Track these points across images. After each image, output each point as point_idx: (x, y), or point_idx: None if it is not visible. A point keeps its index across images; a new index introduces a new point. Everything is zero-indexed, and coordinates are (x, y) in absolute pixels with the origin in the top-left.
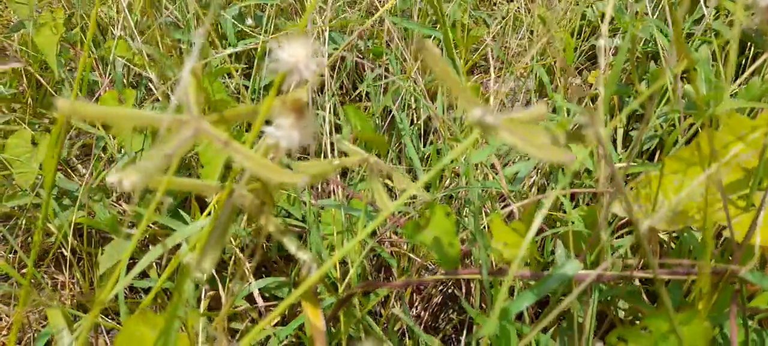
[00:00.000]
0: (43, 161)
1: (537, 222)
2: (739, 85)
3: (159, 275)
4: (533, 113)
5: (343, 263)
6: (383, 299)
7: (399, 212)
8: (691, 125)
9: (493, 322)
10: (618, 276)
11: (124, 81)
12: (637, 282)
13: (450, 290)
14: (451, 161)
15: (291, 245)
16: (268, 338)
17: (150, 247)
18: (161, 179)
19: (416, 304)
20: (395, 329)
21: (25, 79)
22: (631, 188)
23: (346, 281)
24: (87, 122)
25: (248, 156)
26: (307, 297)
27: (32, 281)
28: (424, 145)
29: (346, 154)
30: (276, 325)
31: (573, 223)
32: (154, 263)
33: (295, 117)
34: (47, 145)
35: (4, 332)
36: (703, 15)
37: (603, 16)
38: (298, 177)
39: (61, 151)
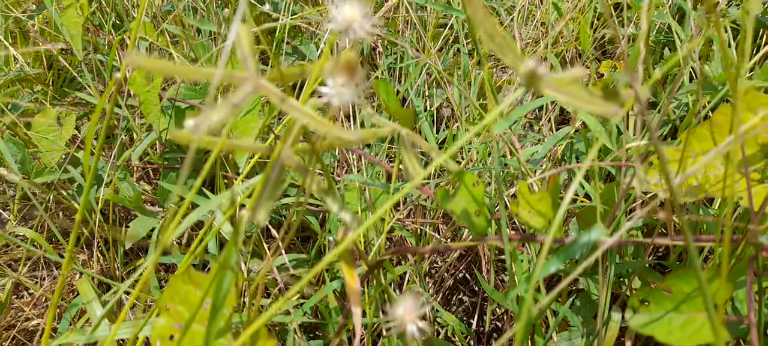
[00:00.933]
0: (78, 140)
1: (573, 187)
2: (751, 69)
3: (182, 253)
4: (573, 74)
5: (366, 241)
6: (399, 279)
7: (426, 183)
8: (704, 107)
9: (523, 285)
10: (638, 242)
11: None
12: (646, 265)
13: (461, 274)
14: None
15: (334, 205)
16: (287, 312)
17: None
18: (215, 140)
19: (429, 286)
20: None
21: (45, 60)
22: (650, 163)
23: (377, 245)
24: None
25: (304, 112)
26: (344, 258)
27: (61, 256)
28: (437, 132)
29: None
30: (294, 306)
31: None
32: (173, 242)
33: (348, 76)
34: (73, 124)
35: (30, 308)
36: (718, 1)
37: (616, 5)
38: (352, 135)
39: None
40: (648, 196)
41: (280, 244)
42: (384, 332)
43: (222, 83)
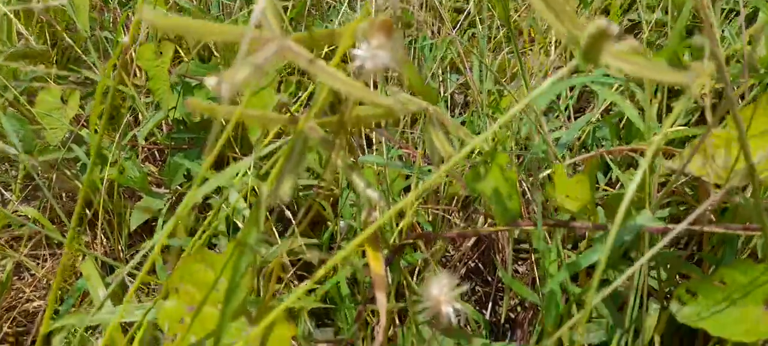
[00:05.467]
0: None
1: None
2: None
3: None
4: (630, 45)
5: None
6: (411, 270)
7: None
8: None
9: (562, 273)
10: (688, 229)
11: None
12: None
13: (473, 264)
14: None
15: (360, 182)
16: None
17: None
18: (231, 109)
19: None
20: None
21: (49, 38)
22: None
23: (397, 229)
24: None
25: (336, 76)
26: (370, 241)
27: (64, 236)
28: (452, 117)
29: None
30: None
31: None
32: (180, 226)
33: (383, 38)
34: (77, 102)
35: (30, 290)
36: None
37: None
38: (391, 102)
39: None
40: (679, 183)
41: (296, 229)
42: (398, 322)
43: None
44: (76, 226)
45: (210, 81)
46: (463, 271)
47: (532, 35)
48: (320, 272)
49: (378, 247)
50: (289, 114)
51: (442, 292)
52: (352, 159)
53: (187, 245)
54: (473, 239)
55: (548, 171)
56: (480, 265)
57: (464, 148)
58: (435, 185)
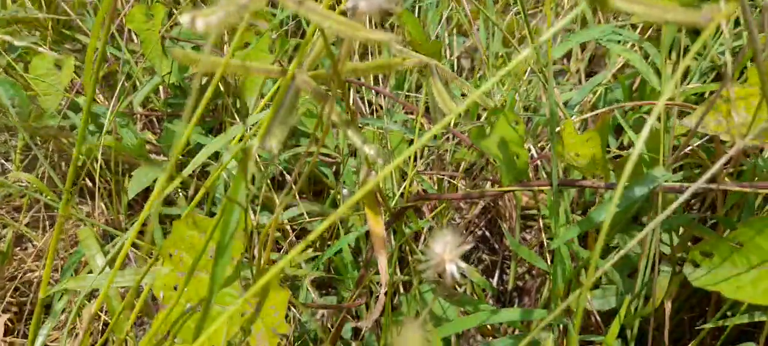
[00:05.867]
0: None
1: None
2: None
3: (188, 204)
4: None
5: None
6: (414, 236)
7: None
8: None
9: (573, 229)
10: (703, 190)
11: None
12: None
13: (480, 232)
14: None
15: (356, 137)
16: (298, 266)
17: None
18: (218, 61)
19: None
20: None
21: (43, 2)
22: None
23: (399, 193)
24: (115, 45)
25: (327, 15)
26: (368, 200)
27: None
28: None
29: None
30: (306, 261)
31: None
32: (180, 193)
33: None
34: (71, 68)
35: (32, 260)
36: None
37: None
38: (384, 35)
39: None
40: (695, 146)
41: (293, 187)
42: (402, 290)
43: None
44: (70, 188)
45: (184, 18)
46: (469, 239)
47: None
48: (320, 229)
49: (378, 207)
50: (278, 65)
51: (446, 249)
52: (349, 116)
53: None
54: (480, 207)
55: (558, 128)
56: (487, 233)
57: (467, 100)
58: (441, 149)
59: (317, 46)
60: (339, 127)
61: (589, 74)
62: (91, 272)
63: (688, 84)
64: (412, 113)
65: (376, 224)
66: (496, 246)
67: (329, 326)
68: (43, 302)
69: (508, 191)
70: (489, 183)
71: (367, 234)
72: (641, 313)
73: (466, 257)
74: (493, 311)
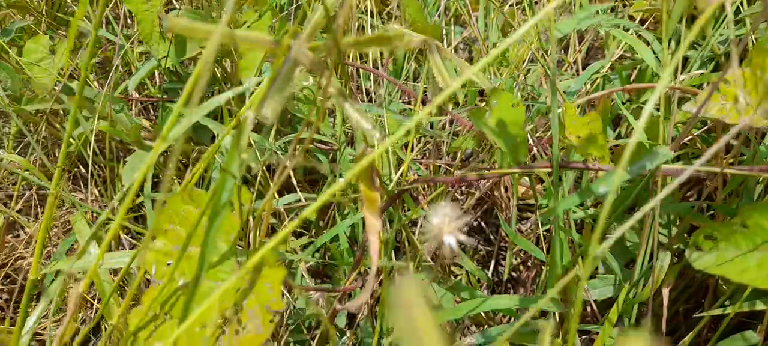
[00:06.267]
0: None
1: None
2: None
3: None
4: None
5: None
6: (410, 223)
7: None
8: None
9: (572, 199)
10: (708, 170)
11: None
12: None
13: (476, 222)
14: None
15: (353, 113)
16: (293, 251)
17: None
18: (210, 28)
19: None
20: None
21: None
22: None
23: (396, 176)
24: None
25: None
26: (363, 177)
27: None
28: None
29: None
30: (302, 247)
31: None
32: (177, 181)
33: None
34: (67, 52)
35: (24, 247)
36: None
37: None
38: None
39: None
40: (696, 133)
41: (288, 166)
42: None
43: None
44: (62, 164)
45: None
46: (465, 230)
47: None
48: (317, 204)
49: (373, 185)
50: (275, 36)
51: (444, 221)
52: (346, 90)
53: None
54: (476, 197)
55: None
56: (483, 224)
57: (466, 73)
58: (437, 138)
59: (315, 18)
60: (335, 101)
61: (587, 65)
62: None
63: (689, 72)
64: (409, 102)
65: (371, 204)
66: (492, 237)
67: (325, 313)
68: (33, 284)
69: (508, 174)
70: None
71: (364, 223)
72: (640, 298)
73: (461, 249)
74: (488, 298)
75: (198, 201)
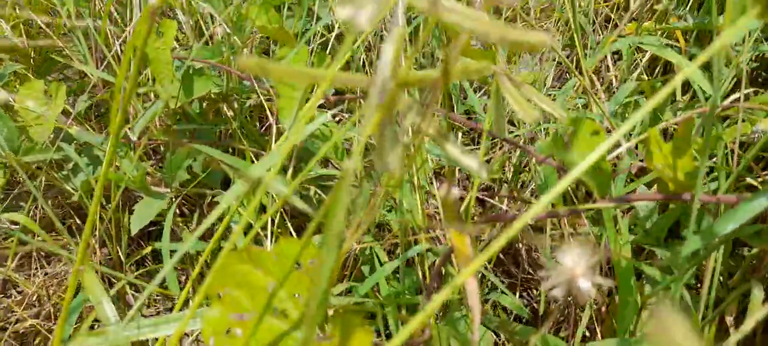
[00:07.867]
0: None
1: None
2: None
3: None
4: None
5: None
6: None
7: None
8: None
9: (695, 241)
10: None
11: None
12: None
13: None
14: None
15: (455, 151)
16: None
17: (179, 212)
18: (287, 67)
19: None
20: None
21: (23, 31)
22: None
23: (465, 204)
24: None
25: (469, 14)
26: (450, 217)
27: (67, 250)
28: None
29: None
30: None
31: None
32: (185, 229)
33: None
34: (63, 96)
35: (22, 308)
36: None
37: None
38: (543, 37)
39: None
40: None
41: (360, 222)
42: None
43: None
44: (89, 234)
45: (342, 12)
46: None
47: None
48: (440, 297)
49: (461, 225)
50: (359, 74)
51: (577, 264)
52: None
53: (199, 249)
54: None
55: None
56: (500, 255)
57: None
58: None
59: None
60: (437, 141)
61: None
62: (97, 320)
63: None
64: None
65: (462, 245)
66: (513, 270)
67: None
68: None
69: (597, 208)
70: (506, 199)
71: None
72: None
73: (480, 283)
74: (543, 336)
75: (257, 261)
